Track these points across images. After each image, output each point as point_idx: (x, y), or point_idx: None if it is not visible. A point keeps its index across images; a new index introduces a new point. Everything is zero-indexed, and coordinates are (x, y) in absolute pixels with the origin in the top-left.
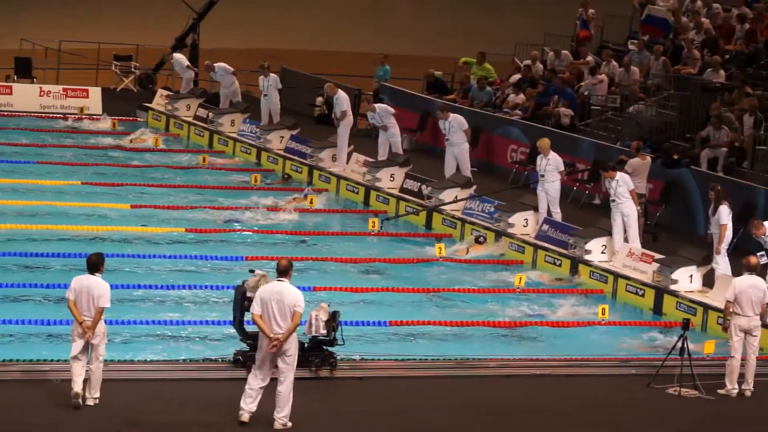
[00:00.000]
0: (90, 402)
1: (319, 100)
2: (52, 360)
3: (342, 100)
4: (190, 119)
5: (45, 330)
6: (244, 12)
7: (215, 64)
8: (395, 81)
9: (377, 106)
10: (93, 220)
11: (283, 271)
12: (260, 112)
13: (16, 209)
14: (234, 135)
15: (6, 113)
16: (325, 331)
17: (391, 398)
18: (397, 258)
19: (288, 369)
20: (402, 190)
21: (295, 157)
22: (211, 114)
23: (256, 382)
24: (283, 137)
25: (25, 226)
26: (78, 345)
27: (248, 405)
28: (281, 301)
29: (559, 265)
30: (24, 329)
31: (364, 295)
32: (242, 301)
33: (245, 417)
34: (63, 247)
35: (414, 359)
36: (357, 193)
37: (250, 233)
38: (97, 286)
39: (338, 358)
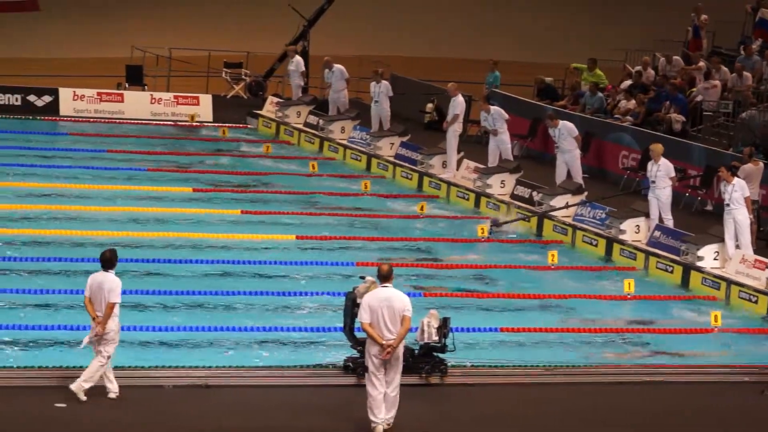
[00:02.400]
0: (74, 386)
1: (429, 106)
2: (164, 366)
3: (458, 103)
4: (300, 126)
5: (161, 336)
6: (354, 19)
7: (335, 65)
8: (505, 87)
9: (492, 108)
10: (204, 227)
11: (387, 276)
12: (370, 119)
13: (129, 216)
14: (344, 142)
15: (117, 120)
16: (437, 338)
17: (501, 405)
18: (508, 264)
19: (397, 372)
20: (512, 196)
21: (405, 164)
22: (321, 121)
23: (377, 391)
24: (393, 144)
25: (140, 234)
26: (96, 343)
27: (379, 416)
28: (391, 306)
29: (671, 272)
30: (152, 336)
31: (475, 301)
32: (352, 308)
33: (380, 429)
34: (179, 254)
35: (524, 366)
36: (467, 199)
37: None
38: (109, 281)
39: (448, 364)
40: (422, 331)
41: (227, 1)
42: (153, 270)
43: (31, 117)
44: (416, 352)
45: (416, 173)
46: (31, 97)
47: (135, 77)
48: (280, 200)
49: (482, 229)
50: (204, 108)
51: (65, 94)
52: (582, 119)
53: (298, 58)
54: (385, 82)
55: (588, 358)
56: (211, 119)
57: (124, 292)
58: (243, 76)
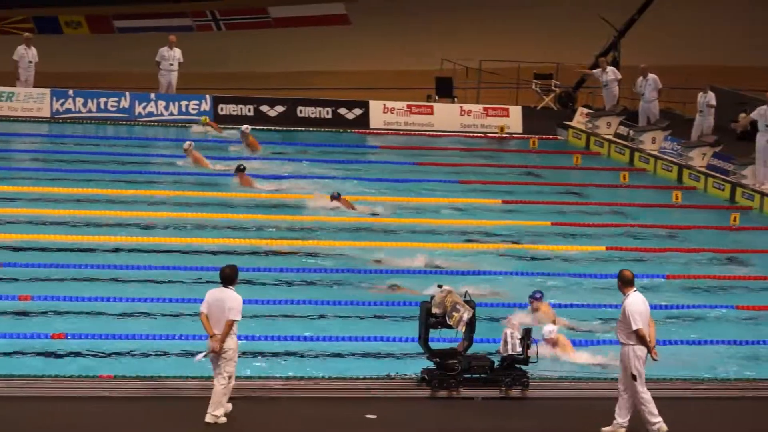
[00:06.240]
0: (208, 418)
1: (742, 116)
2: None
3: None
4: (610, 137)
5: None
6: (665, 28)
7: (650, 74)
8: None
9: None
10: (514, 238)
11: (632, 281)
12: (680, 129)
13: (443, 228)
14: (655, 152)
15: (427, 133)
16: (520, 349)
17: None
18: None
19: None
20: None
21: (718, 174)
22: (631, 132)
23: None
24: (705, 154)
25: (451, 246)
26: (213, 362)
27: (658, 416)
28: (648, 309)
29: None
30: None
31: None
32: (426, 318)
33: (665, 427)
34: (502, 264)
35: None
36: None
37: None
38: (230, 298)
39: (530, 376)
40: (505, 342)
41: (538, 13)
42: (464, 282)
43: (342, 130)
44: (495, 364)
45: (728, 184)
46: (342, 110)
47: (445, 89)
48: (591, 212)
49: None
50: (514, 119)
51: (375, 106)
52: None
53: (612, 68)
54: (711, 93)
55: None
56: (520, 130)
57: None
58: (553, 87)
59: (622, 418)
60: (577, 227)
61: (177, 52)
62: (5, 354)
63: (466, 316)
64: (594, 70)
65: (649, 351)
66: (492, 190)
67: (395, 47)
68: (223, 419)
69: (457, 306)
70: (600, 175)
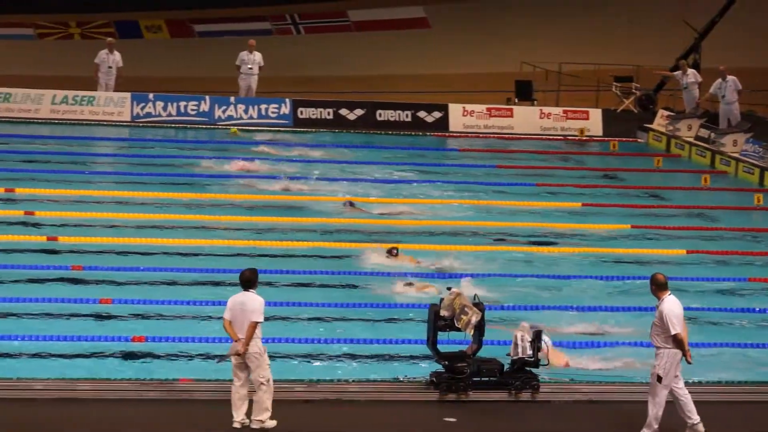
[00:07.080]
0: (254, 425)
1: None
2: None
3: None
4: (691, 140)
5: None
6: (746, 30)
7: (729, 75)
8: None
9: None
10: (593, 242)
11: (666, 285)
12: (762, 132)
13: (516, 231)
14: (736, 155)
15: (507, 136)
16: (530, 352)
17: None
18: None
19: None
20: None
21: None
22: (712, 134)
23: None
24: None
25: (532, 249)
26: (237, 367)
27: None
28: (682, 312)
29: None
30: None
31: None
32: (435, 321)
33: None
34: (573, 268)
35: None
36: None
37: None
38: (251, 301)
39: (540, 379)
40: (515, 345)
41: (617, 15)
42: (543, 285)
43: (421, 133)
44: (504, 367)
45: None
46: (422, 114)
47: (524, 92)
48: (671, 214)
49: None
50: (594, 122)
51: (455, 109)
52: None
53: (693, 70)
54: None
55: None
56: (600, 133)
57: (523, 308)
58: (633, 90)
59: (691, 418)
60: (657, 230)
61: (257, 56)
62: (87, 356)
63: (474, 319)
64: (675, 72)
65: (684, 354)
66: (572, 193)
67: (474, 50)
68: (272, 423)
69: (466, 309)
70: (681, 177)
